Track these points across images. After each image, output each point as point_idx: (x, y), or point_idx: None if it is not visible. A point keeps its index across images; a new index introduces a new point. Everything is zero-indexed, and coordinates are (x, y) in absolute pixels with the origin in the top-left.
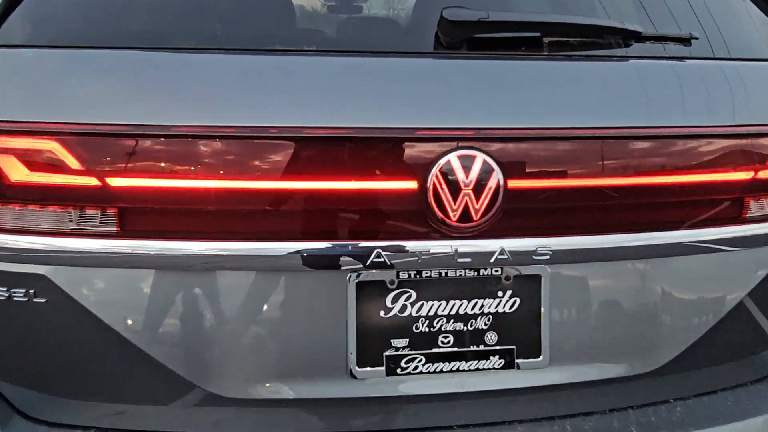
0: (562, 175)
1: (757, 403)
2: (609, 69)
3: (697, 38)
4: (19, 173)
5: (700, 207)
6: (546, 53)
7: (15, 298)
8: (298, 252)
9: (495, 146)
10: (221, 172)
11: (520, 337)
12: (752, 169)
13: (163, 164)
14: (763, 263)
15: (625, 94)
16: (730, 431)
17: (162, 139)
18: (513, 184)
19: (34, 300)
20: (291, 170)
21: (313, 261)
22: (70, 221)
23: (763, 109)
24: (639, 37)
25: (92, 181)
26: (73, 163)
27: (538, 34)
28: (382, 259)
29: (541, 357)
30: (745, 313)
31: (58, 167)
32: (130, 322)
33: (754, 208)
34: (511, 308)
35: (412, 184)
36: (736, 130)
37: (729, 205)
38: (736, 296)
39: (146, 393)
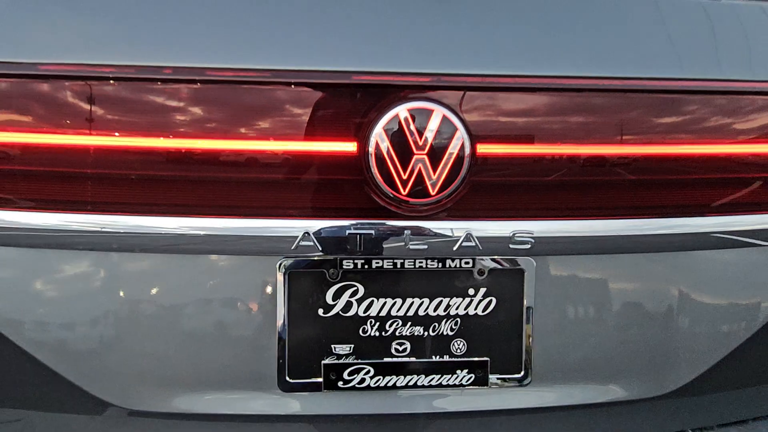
0: (551, 138)
1: None
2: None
3: None
4: None
5: (730, 187)
6: None
7: None
8: (203, 230)
9: (460, 98)
10: (111, 122)
11: (495, 346)
12: None
13: (30, 112)
14: None
15: (638, 35)
16: None
17: (27, 80)
18: (484, 149)
19: None
20: (191, 124)
21: (223, 242)
22: None
23: None
24: None
25: None
26: None
27: None
28: (310, 243)
29: (522, 373)
30: None
31: None
32: (2, 312)
33: None
34: (485, 310)
35: (349, 146)
36: None
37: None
38: None
39: (36, 401)
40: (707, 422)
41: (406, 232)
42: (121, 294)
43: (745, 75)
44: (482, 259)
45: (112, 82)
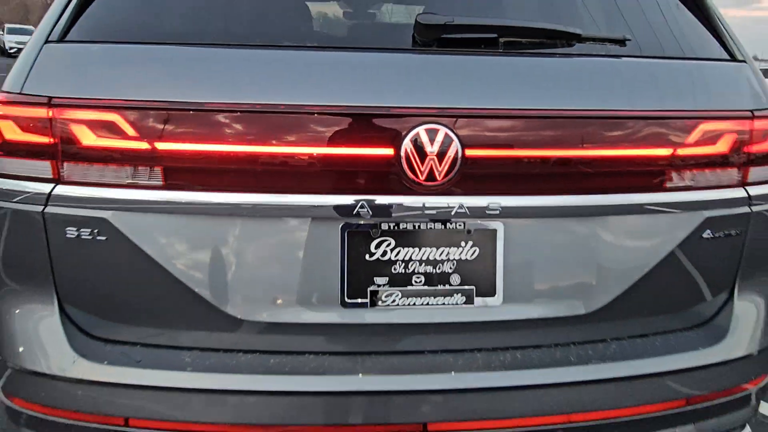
0: (511, 146)
1: (680, 344)
2: (552, 63)
3: (630, 40)
4: (88, 139)
5: (626, 177)
6: (501, 50)
7: (82, 237)
8: (300, 203)
9: (454, 122)
10: (244, 139)
11: (479, 279)
12: (671, 147)
13: (197, 132)
14: (681, 227)
15: (564, 83)
16: (650, 364)
17: (197, 113)
18: (470, 153)
19: (97, 238)
20: (298, 139)
21: (313, 210)
22: (126, 176)
23: (679, 98)
24: (580, 38)
25: (144, 146)
26: (129, 131)
27: (495, 35)
28: (365, 209)
29: (496, 296)
30: (669, 269)
31: (118, 134)
32: (170, 256)
33: (675, 179)
34: (472, 256)
35: (390, 151)
36: (655, 114)
37: (652, 176)
38: (659, 254)
39: (182, 315)
40: (621, 334)
41: (422, 203)
42: (247, 242)
43: (656, 107)
44: (470, 222)
45: (255, 113)
